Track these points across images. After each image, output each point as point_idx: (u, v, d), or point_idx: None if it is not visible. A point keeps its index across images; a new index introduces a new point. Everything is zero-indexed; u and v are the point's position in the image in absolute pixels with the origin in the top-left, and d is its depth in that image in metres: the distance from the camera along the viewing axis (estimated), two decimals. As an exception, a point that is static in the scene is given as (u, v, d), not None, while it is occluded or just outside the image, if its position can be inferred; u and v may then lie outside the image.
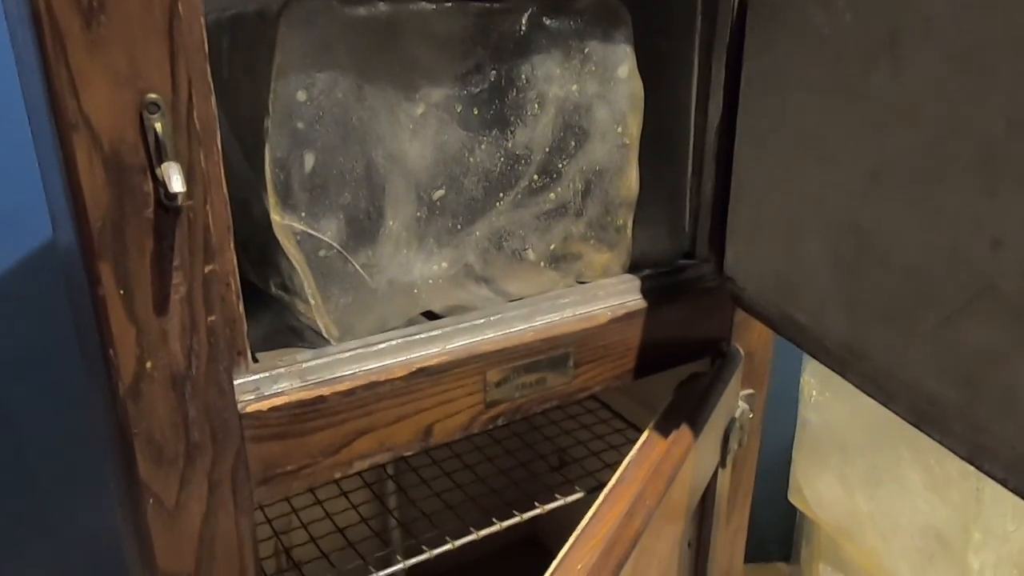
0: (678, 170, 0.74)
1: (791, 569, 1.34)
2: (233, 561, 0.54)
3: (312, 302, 0.58)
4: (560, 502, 0.78)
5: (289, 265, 0.61)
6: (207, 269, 0.48)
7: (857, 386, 0.52)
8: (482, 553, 1.16)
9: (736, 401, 0.77)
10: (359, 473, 0.87)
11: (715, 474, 0.74)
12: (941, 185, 0.45)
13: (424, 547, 0.71)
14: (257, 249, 0.63)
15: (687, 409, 0.67)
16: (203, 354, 0.49)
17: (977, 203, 0.42)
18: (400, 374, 0.58)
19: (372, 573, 0.69)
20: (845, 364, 0.53)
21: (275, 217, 0.55)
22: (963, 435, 0.45)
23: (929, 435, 0.46)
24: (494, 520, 0.75)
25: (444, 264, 0.63)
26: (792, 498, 1.17)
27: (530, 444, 0.92)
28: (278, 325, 0.64)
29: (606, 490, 0.60)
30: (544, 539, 1.20)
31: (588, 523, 0.55)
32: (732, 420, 0.76)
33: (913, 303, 0.47)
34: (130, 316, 0.46)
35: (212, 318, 0.49)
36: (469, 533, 0.73)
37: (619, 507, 0.54)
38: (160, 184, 0.44)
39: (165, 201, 0.45)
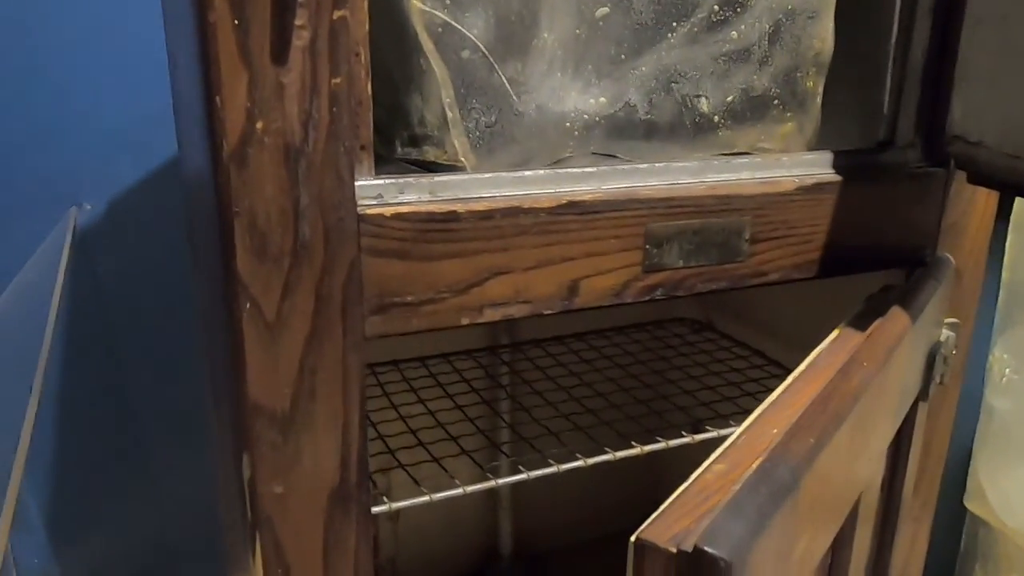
0: (877, 37, 0.61)
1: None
2: (335, 404, 0.45)
3: (449, 115, 0.49)
4: (712, 434, 0.65)
5: (422, 102, 0.52)
6: (336, 15, 0.40)
7: None
8: (602, 533, 1.03)
9: (940, 325, 0.62)
10: (475, 390, 0.77)
11: (914, 406, 0.60)
12: None
13: (551, 460, 0.60)
14: (382, 107, 0.55)
15: (888, 307, 0.54)
16: (323, 126, 0.41)
17: None
18: (547, 205, 0.48)
19: (490, 479, 0.58)
20: None
21: (415, 1, 0.47)
22: None
23: None
24: (633, 443, 0.63)
25: (603, 99, 0.53)
26: (969, 503, 0.99)
27: (674, 372, 0.79)
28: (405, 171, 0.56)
29: (794, 374, 0.47)
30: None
31: (781, 394, 0.43)
32: (937, 344, 0.61)
33: None
34: (243, 55, 0.38)
35: (337, 80, 0.41)
36: (604, 452, 0.61)
37: (827, 373, 0.42)
38: None
39: (295, -89, 0.37)
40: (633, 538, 0.31)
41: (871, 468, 0.47)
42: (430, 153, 0.54)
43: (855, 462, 0.41)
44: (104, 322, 0.96)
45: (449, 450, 0.63)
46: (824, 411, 0.36)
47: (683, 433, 0.64)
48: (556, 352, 0.82)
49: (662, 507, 0.33)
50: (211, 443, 0.81)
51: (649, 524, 0.31)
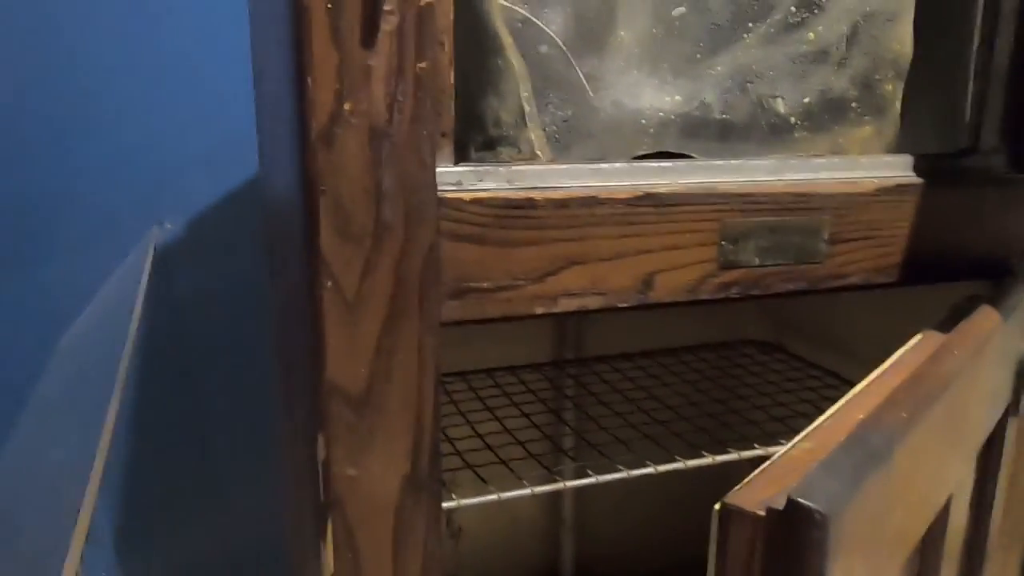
0: (958, 42, 0.61)
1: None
2: (410, 388, 0.45)
3: (526, 108, 0.50)
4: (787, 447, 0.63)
5: (498, 103, 0.53)
6: (424, 1, 0.41)
7: None
8: (667, 563, 1.00)
9: (1030, 337, 0.60)
10: (541, 400, 0.77)
11: (1004, 418, 0.57)
12: None
13: (620, 466, 0.59)
14: (456, 116, 0.56)
15: (976, 308, 0.52)
16: (407, 108, 0.42)
17: None
18: (623, 196, 0.48)
19: (558, 481, 0.57)
20: None
21: (496, -3, 0.48)
22: None
23: None
24: (704, 453, 0.61)
25: (678, 97, 0.53)
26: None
27: (744, 389, 0.78)
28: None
29: (882, 367, 0.46)
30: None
31: (868, 383, 0.41)
32: (1027, 355, 0.59)
33: None
34: (334, 38, 0.40)
35: (422, 65, 0.42)
36: (675, 461, 0.60)
37: (914, 364, 0.40)
38: None
39: (388, -100, 0.39)
40: (717, 506, 0.30)
41: (961, 470, 0.45)
42: (505, 154, 0.55)
43: (946, 455, 0.39)
44: (180, 338, 0.99)
45: (516, 454, 0.62)
46: (916, 392, 0.35)
47: (755, 445, 0.63)
48: (623, 367, 0.81)
49: (747, 479, 0.32)
50: (280, 451, 0.82)
51: (735, 492, 0.30)
